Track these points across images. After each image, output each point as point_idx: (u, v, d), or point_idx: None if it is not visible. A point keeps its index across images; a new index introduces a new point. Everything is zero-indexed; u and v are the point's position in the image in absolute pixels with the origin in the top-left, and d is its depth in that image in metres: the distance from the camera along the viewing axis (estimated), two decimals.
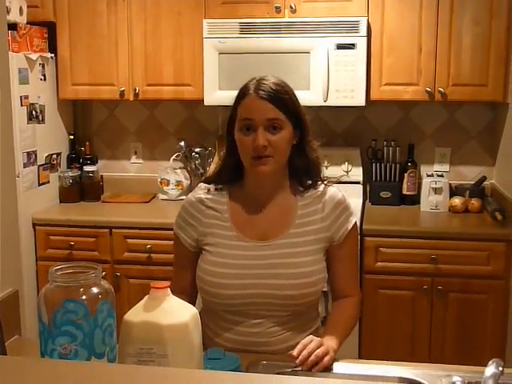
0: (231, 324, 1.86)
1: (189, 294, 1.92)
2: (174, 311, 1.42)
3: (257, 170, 1.82)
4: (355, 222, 1.94)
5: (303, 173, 1.92)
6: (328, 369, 1.64)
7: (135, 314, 1.44)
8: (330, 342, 1.72)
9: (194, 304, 1.88)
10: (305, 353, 1.63)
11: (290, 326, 1.86)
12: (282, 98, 1.82)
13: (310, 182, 1.93)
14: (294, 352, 1.63)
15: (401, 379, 1.59)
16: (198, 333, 1.47)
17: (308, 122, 1.90)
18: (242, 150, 1.83)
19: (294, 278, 1.82)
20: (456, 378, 1.45)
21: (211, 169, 2.05)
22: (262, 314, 1.84)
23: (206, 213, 1.91)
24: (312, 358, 1.62)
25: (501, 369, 1.30)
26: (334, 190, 1.93)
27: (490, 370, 1.30)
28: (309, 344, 1.65)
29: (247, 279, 1.82)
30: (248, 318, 1.84)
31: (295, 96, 1.88)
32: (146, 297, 1.45)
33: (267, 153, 1.79)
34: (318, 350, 1.64)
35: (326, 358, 1.64)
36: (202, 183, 2.00)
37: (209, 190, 1.95)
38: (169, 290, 1.44)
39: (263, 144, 1.77)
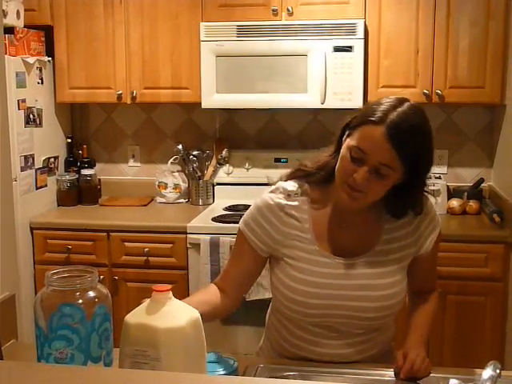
0: (299, 330, 1.78)
1: (229, 294, 1.80)
2: (173, 315, 1.41)
3: (345, 197, 1.66)
4: (440, 231, 1.82)
5: (405, 210, 1.75)
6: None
7: (135, 316, 1.43)
8: (420, 351, 1.72)
9: (232, 307, 1.84)
10: (408, 366, 1.65)
11: (362, 340, 1.78)
12: (410, 146, 1.59)
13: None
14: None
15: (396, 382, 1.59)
16: (197, 337, 1.44)
17: (428, 171, 1.71)
18: (340, 169, 1.66)
19: (379, 300, 1.72)
20: (453, 381, 1.44)
21: (307, 163, 1.82)
22: (337, 331, 1.75)
23: (284, 220, 1.76)
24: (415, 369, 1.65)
25: (498, 371, 1.30)
26: (428, 199, 1.79)
27: (488, 372, 1.30)
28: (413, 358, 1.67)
29: (329, 300, 1.70)
30: (320, 335, 1.76)
31: (427, 137, 1.67)
32: (149, 299, 1.44)
33: (362, 189, 1.62)
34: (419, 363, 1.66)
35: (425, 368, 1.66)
36: (280, 183, 1.81)
37: (289, 194, 1.77)
38: (170, 293, 1.42)
39: (361, 183, 1.60)
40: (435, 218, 1.80)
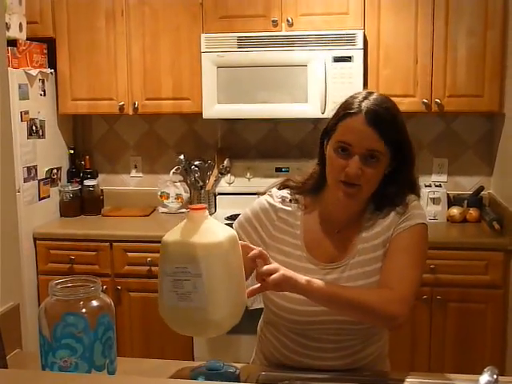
0: (292, 342, 1.79)
1: None
2: (210, 231, 1.44)
3: (341, 195, 1.70)
4: (421, 224, 1.74)
5: (385, 201, 1.77)
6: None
7: (172, 235, 1.46)
8: (297, 276, 1.59)
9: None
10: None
11: (352, 344, 1.77)
12: (390, 126, 1.68)
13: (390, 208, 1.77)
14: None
15: None
16: (236, 254, 1.48)
17: (412, 155, 1.75)
18: (331, 169, 1.71)
19: None
20: None
21: (297, 177, 1.88)
22: (331, 341, 1.75)
23: (276, 224, 1.81)
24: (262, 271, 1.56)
25: (495, 376, 1.32)
26: (411, 197, 1.78)
27: (485, 378, 1.31)
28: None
29: (316, 306, 1.66)
30: (314, 348, 1.76)
31: (402, 121, 1.73)
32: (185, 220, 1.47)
33: (358, 181, 1.67)
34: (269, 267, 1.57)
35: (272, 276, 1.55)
36: (275, 189, 1.87)
37: (283, 200, 1.83)
38: (206, 211, 1.46)
39: (356, 173, 1.65)
40: (415, 210, 1.75)
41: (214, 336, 1.55)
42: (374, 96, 1.72)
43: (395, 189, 1.76)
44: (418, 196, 1.82)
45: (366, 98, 1.71)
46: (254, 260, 1.60)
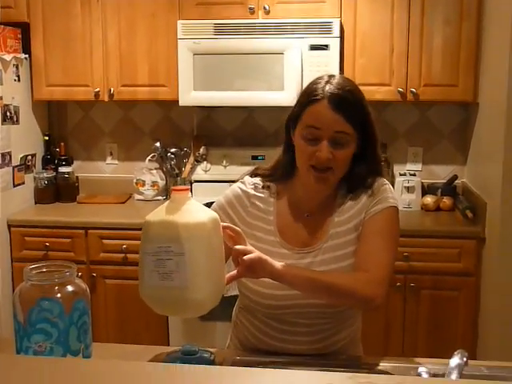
0: (266, 327, 1.81)
1: None
2: (193, 212, 1.47)
3: (313, 180, 1.72)
4: (392, 206, 1.77)
5: (357, 181, 1.79)
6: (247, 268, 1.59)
7: (155, 215, 1.49)
8: (272, 261, 1.61)
9: None
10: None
11: (325, 328, 1.79)
12: (354, 108, 1.71)
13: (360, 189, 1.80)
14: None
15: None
16: (218, 236, 1.51)
17: (375, 133, 1.79)
18: (301, 155, 1.74)
19: None
20: (422, 369, 1.48)
21: (269, 164, 1.92)
22: (305, 325, 1.77)
23: (249, 210, 1.83)
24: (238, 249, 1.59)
25: (465, 359, 1.34)
26: (380, 180, 1.81)
27: (455, 360, 1.34)
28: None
29: (289, 290, 1.67)
30: (288, 332, 1.78)
31: (365, 102, 1.76)
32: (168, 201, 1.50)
33: (329, 165, 1.70)
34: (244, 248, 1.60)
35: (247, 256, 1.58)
36: (247, 177, 1.89)
37: (256, 186, 1.86)
38: (189, 193, 1.49)
39: (327, 157, 1.68)
40: (385, 193, 1.78)
41: (194, 316, 1.58)
42: (336, 80, 1.74)
43: (364, 168, 1.79)
44: (382, 175, 1.84)
45: (328, 82, 1.73)
46: (230, 247, 1.62)
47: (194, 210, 1.48)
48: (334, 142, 1.69)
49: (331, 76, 1.76)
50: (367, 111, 1.77)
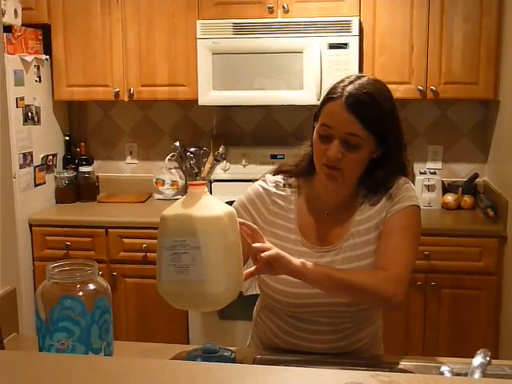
0: (287, 325, 1.80)
1: None
2: (209, 206, 1.48)
3: (324, 178, 1.72)
4: (414, 205, 1.74)
5: (377, 184, 1.77)
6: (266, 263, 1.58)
7: (171, 209, 1.49)
8: (291, 257, 1.61)
9: None
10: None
11: (347, 327, 1.78)
12: (370, 112, 1.67)
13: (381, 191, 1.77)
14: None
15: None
16: (235, 230, 1.51)
17: (399, 139, 1.75)
18: (315, 152, 1.73)
19: None
20: (444, 368, 1.47)
21: (285, 162, 1.92)
22: (326, 324, 1.76)
23: (270, 208, 1.82)
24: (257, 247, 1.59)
25: (488, 359, 1.33)
26: (401, 179, 1.78)
27: (478, 360, 1.33)
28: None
29: (310, 288, 1.67)
30: (310, 331, 1.77)
31: (390, 107, 1.72)
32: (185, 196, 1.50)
33: (338, 165, 1.68)
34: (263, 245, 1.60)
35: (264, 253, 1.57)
36: (269, 175, 1.88)
37: (277, 184, 1.85)
38: (206, 187, 1.49)
39: (335, 157, 1.66)
40: (407, 192, 1.76)
41: (211, 310, 1.59)
42: (361, 81, 1.71)
43: (383, 173, 1.76)
44: (409, 178, 1.81)
45: (352, 82, 1.70)
46: (250, 244, 1.62)
47: (210, 204, 1.49)
48: (345, 143, 1.67)
49: (360, 77, 1.74)
50: (389, 115, 1.72)
